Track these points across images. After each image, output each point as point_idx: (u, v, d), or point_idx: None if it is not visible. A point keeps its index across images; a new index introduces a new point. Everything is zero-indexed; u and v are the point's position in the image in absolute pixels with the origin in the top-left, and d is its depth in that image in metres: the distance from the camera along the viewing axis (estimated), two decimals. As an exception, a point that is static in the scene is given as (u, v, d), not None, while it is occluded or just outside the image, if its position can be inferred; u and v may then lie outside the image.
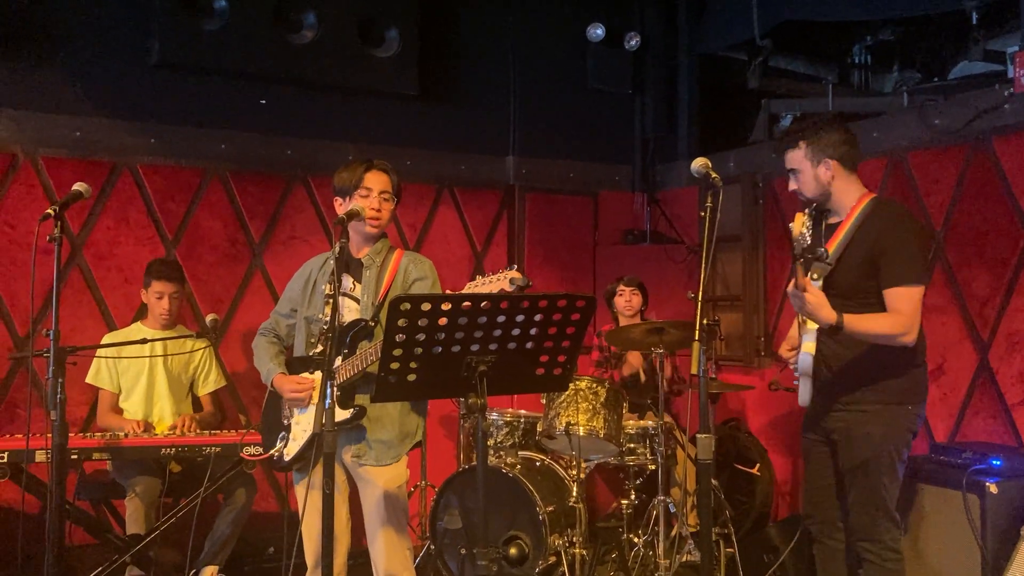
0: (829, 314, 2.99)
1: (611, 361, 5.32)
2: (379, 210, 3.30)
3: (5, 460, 3.65)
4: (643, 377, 5.07)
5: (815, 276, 3.15)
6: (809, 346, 3.17)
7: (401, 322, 2.47)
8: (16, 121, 4.54)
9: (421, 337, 2.51)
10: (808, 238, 3.00)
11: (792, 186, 3.36)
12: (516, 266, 2.84)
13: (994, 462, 3.72)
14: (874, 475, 3.21)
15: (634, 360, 5.12)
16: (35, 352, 3.69)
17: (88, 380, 4.34)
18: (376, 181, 3.32)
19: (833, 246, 3.21)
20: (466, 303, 2.49)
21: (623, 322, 5.19)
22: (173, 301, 4.36)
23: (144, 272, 4.42)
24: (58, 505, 3.10)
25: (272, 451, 3.37)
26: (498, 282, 2.78)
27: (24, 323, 4.53)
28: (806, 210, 3.24)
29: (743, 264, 5.57)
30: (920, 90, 5.08)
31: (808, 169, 3.27)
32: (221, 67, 4.85)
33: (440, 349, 2.54)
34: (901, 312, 3.09)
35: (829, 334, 3.08)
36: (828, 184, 3.25)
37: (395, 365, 2.56)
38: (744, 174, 5.57)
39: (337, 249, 3.04)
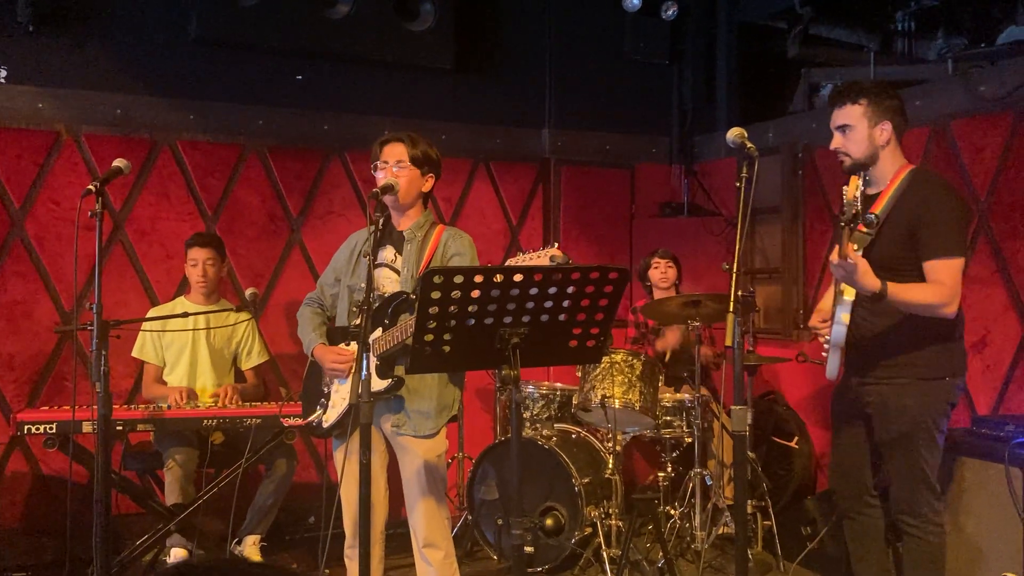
0: (873, 282, 2.94)
1: (648, 337, 5.31)
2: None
3: (54, 431, 3.75)
4: (667, 355, 5.04)
5: (856, 248, 3.10)
6: (844, 317, 3.13)
7: (435, 294, 2.49)
8: (59, 99, 4.62)
9: (454, 309, 2.52)
10: (859, 204, 2.90)
11: (836, 144, 3.23)
12: (557, 244, 2.83)
13: (1037, 435, 3.66)
14: (913, 448, 3.17)
15: (671, 337, 5.10)
16: (79, 326, 3.78)
17: (134, 354, 4.44)
18: (390, 152, 3.34)
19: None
20: (498, 275, 2.50)
21: (658, 295, 5.17)
22: (208, 268, 4.42)
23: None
24: (104, 475, 3.18)
25: (311, 418, 3.43)
26: (538, 259, 2.78)
27: (70, 298, 4.63)
28: (862, 174, 3.10)
29: (782, 236, 5.51)
30: (965, 57, 4.94)
31: (864, 128, 3.18)
32: (258, 43, 4.89)
33: (473, 321, 2.56)
34: (942, 283, 3.05)
35: (873, 301, 3.03)
36: (881, 147, 3.18)
37: (429, 337, 2.58)
38: (784, 144, 5.50)
39: (380, 223, 3.08)
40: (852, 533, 3.47)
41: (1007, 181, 4.33)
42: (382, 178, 3.32)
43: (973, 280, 4.28)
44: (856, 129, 3.20)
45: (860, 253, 3.10)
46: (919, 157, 4.61)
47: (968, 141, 4.50)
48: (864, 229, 3.04)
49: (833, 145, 3.26)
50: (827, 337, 3.19)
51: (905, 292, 3.02)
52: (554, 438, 4.54)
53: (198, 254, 4.41)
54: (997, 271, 4.35)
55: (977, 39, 5.35)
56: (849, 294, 3.10)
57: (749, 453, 4.43)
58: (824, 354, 3.21)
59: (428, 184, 3.41)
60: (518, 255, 2.88)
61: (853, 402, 3.33)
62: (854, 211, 2.79)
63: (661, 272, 5.19)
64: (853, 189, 2.79)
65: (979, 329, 4.33)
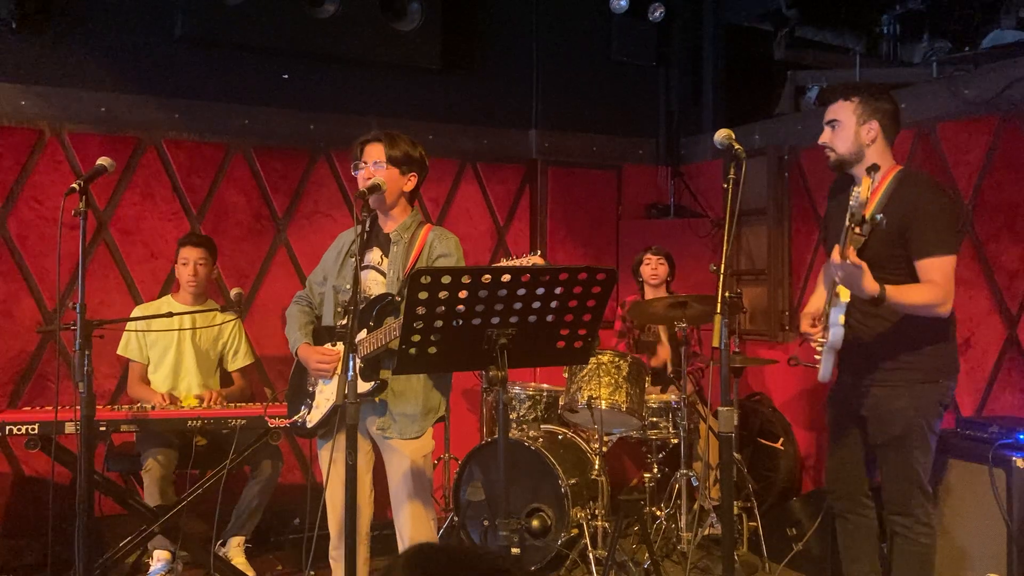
0: (872, 286, 2.94)
1: (633, 332, 5.31)
2: (368, 179, 3.27)
3: (36, 432, 3.70)
4: (670, 368, 5.06)
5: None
6: (841, 319, 3.13)
7: (422, 295, 2.48)
8: (42, 97, 4.58)
9: (441, 310, 2.51)
10: (866, 205, 2.90)
11: (824, 138, 3.28)
12: (540, 252, 2.83)
13: (1021, 436, 3.68)
14: (907, 449, 3.19)
15: (663, 352, 5.11)
16: (62, 325, 3.75)
17: (119, 352, 4.40)
18: (369, 152, 3.32)
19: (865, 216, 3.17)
20: (486, 276, 2.49)
21: (648, 292, 5.18)
22: (199, 268, 4.39)
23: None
24: (87, 476, 3.15)
25: (296, 417, 3.41)
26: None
27: (53, 297, 4.59)
28: (871, 173, 3.08)
29: (768, 237, 5.53)
30: (950, 60, 4.97)
31: (851, 125, 3.22)
32: (244, 42, 4.86)
33: (460, 322, 2.55)
34: (936, 282, 3.07)
35: (872, 305, 3.03)
36: (865, 146, 3.21)
37: (416, 338, 2.57)
38: (770, 146, 5.52)
39: (366, 224, 3.06)
40: (846, 533, 3.48)
41: (991, 184, 4.35)
42: (361, 177, 3.30)
43: (957, 282, 4.23)
44: (844, 125, 3.24)
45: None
46: (904, 159, 4.63)
47: (953, 144, 4.53)
48: (858, 230, 3.04)
49: (821, 139, 3.30)
50: (821, 341, 3.19)
51: (901, 295, 3.03)
52: (540, 439, 4.53)
53: (190, 253, 4.39)
54: (981, 273, 4.37)
55: (962, 43, 5.39)
56: (845, 296, 3.10)
57: (735, 454, 4.44)
58: (817, 357, 3.22)
59: (410, 184, 3.36)
60: (502, 262, 2.87)
61: (848, 404, 3.33)
62: (864, 212, 2.80)
63: (652, 268, 5.19)
64: (866, 189, 2.79)
65: (963, 331, 4.36)
